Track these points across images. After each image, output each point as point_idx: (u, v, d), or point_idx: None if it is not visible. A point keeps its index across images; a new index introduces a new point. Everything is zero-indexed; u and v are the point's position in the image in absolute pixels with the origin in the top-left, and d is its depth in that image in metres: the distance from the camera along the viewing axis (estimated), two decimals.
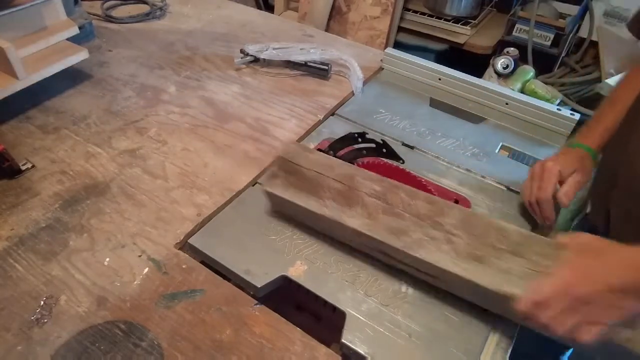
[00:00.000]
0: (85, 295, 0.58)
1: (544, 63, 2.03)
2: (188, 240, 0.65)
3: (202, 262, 0.64)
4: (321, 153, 0.67)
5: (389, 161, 0.77)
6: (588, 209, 0.84)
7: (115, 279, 0.60)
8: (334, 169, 0.64)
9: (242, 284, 0.61)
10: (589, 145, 0.71)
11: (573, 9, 2.04)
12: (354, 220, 0.59)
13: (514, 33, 2.03)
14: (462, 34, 2.11)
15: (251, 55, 1.04)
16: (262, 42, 1.10)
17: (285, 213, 0.68)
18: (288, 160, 0.66)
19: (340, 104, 0.97)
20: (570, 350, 1.16)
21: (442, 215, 0.59)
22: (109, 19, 1.19)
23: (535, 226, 0.73)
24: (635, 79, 0.74)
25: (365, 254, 0.65)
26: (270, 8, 2.44)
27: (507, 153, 0.90)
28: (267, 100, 0.96)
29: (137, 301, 0.58)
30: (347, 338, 0.55)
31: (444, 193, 0.76)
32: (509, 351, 0.57)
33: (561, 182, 0.68)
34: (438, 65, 1.04)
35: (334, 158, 0.67)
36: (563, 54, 2.03)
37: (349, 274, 0.62)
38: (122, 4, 1.27)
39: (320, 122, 0.91)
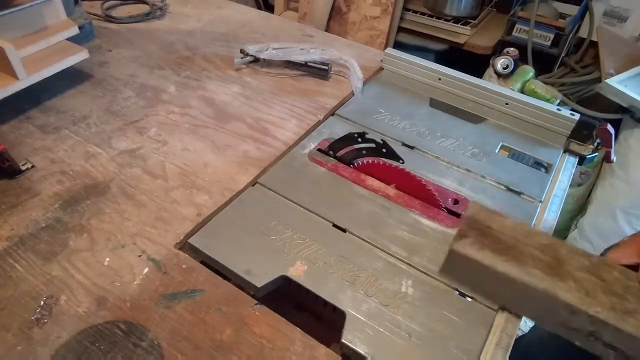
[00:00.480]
0: (85, 295, 0.58)
1: (543, 63, 2.03)
2: (188, 240, 0.65)
3: (202, 262, 0.64)
4: (511, 218, 0.62)
5: (389, 161, 0.77)
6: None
7: (115, 279, 0.60)
8: (532, 237, 0.60)
9: (242, 284, 0.61)
10: None
11: (573, 9, 2.04)
12: (569, 294, 0.54)
13: (513, 33, 2.04)
14: (462, 34, 2.11)
15: (251, 55, 1.04)
16: (262, 42, 1.10)
17: (459, 278, 0.62)
18: (478, 221, 0.61)
19: (340, 104, 0.97)
20: None
21: None
22: (109, 19, 1.19)
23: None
24: None
25: (365, 254, 0.65)
26: (270, 8, 2.44)
27: (507, 153, 0.90)
28: (267, 100, 0.96)
29: (137, 301, 0.58)
30: (347, 338, 0.55)
31: (444, 193, 0.76)
32: (509, 351, 0.57)
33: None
34: (438, 65, 1.04)
35: (526, 224, 0.62)
36: (563, 54, 2.03)
37: (349, 274, 0.62)
38: (122, 4, 1.27)
39: (320, 122, 0.91)
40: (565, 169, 0.88)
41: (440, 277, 0.63)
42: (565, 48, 2.01)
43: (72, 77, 0.96)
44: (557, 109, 0.93)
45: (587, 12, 2.01)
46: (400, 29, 2.18)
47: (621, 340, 0.53)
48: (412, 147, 0.87)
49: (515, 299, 0.59)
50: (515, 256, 0.58)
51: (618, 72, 1.80)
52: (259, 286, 0.59)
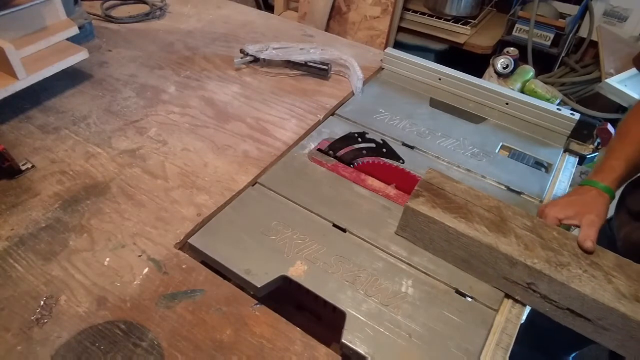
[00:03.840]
0: (85, 295, 0.58)
1: (543, 63, 2.03)
2: (188, 240, 0.65)
3: (202, 262, 0.64)
4: (464, 184, 0.68)
5: (389, 161, 0.77)
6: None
7: (115, 279, 0.60)
8: (481, 199, 0.66)
9: (242, 284, 0.61)
10: (600, 181, 0.69)
11: (573, 9, 2.04)
12: (509, 247, 0.59)
13: (513, 33, 2.04)
14: (462, 34, 2.11)
15: (251, 55, 1.04)
16: (262, 42, 1.10)
17: (413, 234, 0.67)
18: (433, 184, 0.67)
19: (340, 104, 0.97)
20: (573, 354, 1.16)
21: (597, 257, 0.60)
22: (109, 19, 1.19)
23: None
24: None
25: (365, 254, 0.65)
26: (270, 8, 2.44)
27: (507, 153, 0.90)
28: (267, 100, 0.96)
29: (137, 301, 0.58)
30: (347, 338, 0.55)
31: None
32: (509, 351, 0.57)
33: (577, 226, 0.66)
34: (438, 65, 1.04)
35: (477, 190, 0.68)
36: (563, 54, 2.03)
37: (349, 274, 0.62)
38: (122, 4, 1.27)
39: (320, 122, 0.91)
40: (565, 169, 0.88)
41: (397, 234, 0.69)
42: (565, 48, 2.01)
43: (72, 77, 0.96)
44: (557, 109, 0.93)
45: (587, 12, 2.01)
46: (400, 29, 2.18)
47: (555, 291, 0.58)
48: (412, 147, 0.87)
49: (462, 255, 0.64)
50: (464, 214, 0.64)
51: (618, 71, 1.80)
52: (259, 286, 0.59)
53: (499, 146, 0.89)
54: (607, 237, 0.86)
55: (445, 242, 0.64)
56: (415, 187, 0.67)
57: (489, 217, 0.64)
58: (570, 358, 1.17)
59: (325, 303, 0.59)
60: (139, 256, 0.63)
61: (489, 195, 0.67)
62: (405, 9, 2.16)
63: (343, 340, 0.55)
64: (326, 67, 1.02)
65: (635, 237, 0.77)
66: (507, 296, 0.63)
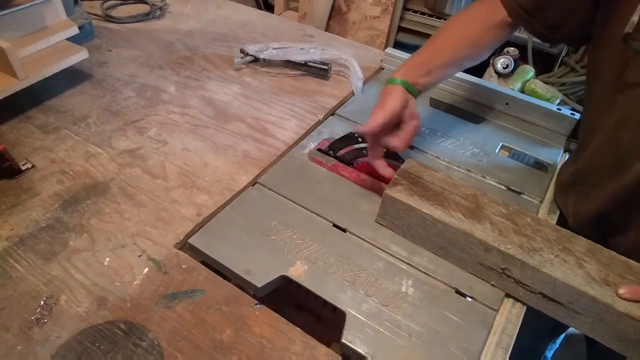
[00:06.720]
0: (85, 295, 0.58)
1: (544, 63, 2.04)
2: (188, 240, 0.65)
3: (202, 262, 0.64)
4: (442, 173, 0.69)
5: (389, 161, 0.77)
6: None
7: (115, 279, 0.60)
8: (458, 187, 0.67)
9: (242, 284, 0.61)
10: (399, 77, 0.73)
11: None
12: (484, 233, 0.61)
13: (514, 32, 2.04)
14: None
15: (251, 55, 1.04)
16: (262, 42, 1.10)
17: (392, 222, 0.68)
18: (412, 173, 0.68)
19: (341, 104, 0.97)
20: (557, 346, 1.16)
21: (570, 243, 0.61)
22: (109, 19, 1.19)
23: None
24: (464, 16, 0.78)
25: (365, 254, 0.65)
26: (270, 8, 2.44)
27: (507, 153, 0.90)
28: (267, 100, 0.96)
29: (137, 301, 0.58)
30: (347, 338, 0.55)
31: None
32: (509, 351, 0.57)
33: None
34: None
35: (456, 179, 0.69)
36: (563, 54, 2.03)
37: (349, 274, 0.62)
38: (122, 4, 1.27)
39: (320, 122, 0.91)
40: None
41: (377, 222, 0.70)
42: (565, 48, 2.01)
43: (72, 77, 0.96)
44: (558, 109, 0.93)
45: None
46: (400, 29, 2.19)
47: (528, 276, 0.59)
48: (412, 147, 0.86)
49: (439, 242, 0.65)
50: (441, 202, 0.65)
51: None
52: (259, 286, 0.59)
53: (499, 146, 0.89)
54: (559, 217, 0.83)
55: (423, 229, 0.65)
56: (394, 176, 0.68)
57: (465, 204, 0.65)
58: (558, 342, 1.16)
59: (325, 303, 0.59)
60: (139, 256, 0.63)
61: (466, 184, 0.68)
62: (405, 9, 2.16)
63: (343, 340, 0.55)
64: (326, 67, 1.02)
65: (585, 209, 0.74)
66: (508, 296, 0.63)
